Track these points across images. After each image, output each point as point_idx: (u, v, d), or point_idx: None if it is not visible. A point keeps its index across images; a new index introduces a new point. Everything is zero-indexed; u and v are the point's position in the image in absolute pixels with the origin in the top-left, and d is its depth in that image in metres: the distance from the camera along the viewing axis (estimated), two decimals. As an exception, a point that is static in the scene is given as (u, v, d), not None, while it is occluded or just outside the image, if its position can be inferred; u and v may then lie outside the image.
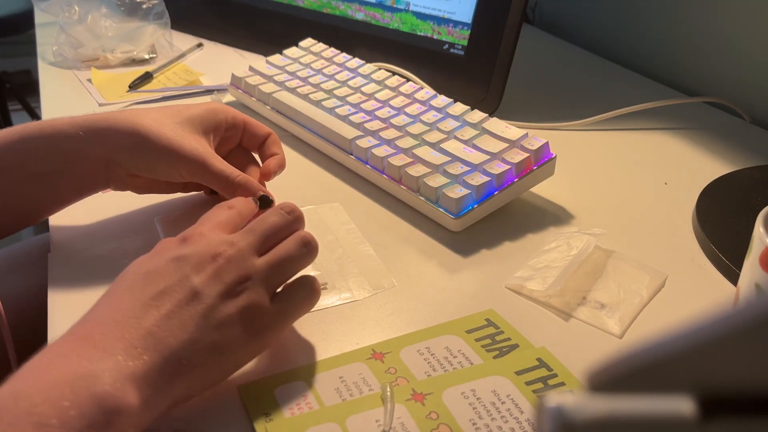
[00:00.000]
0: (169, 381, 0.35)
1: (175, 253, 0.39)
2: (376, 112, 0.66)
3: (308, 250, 0.42)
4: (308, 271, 0.48)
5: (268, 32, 0.94)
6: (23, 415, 0.29)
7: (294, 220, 0.43)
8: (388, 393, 0.39)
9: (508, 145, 0.60)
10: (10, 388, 0.31)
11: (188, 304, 0.36)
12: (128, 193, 0.57)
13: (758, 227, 0.41)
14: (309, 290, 0.42)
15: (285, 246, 0.41)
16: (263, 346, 0.41)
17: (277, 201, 0.58)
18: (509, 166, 0.57)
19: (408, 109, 0.66)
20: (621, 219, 0.60)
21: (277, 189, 0.61)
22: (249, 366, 0.42)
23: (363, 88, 0.70)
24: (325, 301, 0.48)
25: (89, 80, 0.83)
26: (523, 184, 0.58)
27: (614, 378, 0.18)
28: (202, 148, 0.52)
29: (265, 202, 0.51)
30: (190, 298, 0.37)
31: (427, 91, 0.69)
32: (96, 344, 0.34)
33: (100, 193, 0.59)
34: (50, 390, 0.31)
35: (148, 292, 0.37)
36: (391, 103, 0.68)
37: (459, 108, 0.65)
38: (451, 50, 0.79)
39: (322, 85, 0.72)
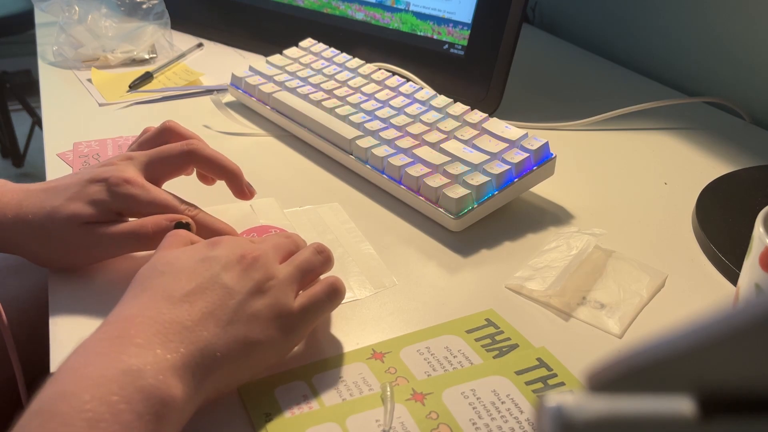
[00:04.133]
0: (206, 373, 0.35)
1: (203, 255, 0.40)
2: (376, 112, 0.66)
3: (323, 256, 0.44)
4: None
5: (268, 32, 0.94)
6: (74, 414, 0.30)
7: (294, 238, 0.46)
8: (388, 393, 0.39)
9: (508, 145, 0.60)
10: (53, 389, 0.31)
11: (220, 300, 0.38)
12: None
13: (758, 227, 0.41)
14: (331, 290, 0.42)
15: (302, 253, 0.44)
16: (288, 346, 0.41)
17: (276, 200, 0.58)
18: (509, 166, 0.57)
19: (408, 109, 0.66)
20: (621, 219, 0.60)
21: (277, 189, 0.61)
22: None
23: (363, 88, 0.70)
24: None
25: (89, 80, 0.83)
26: (523, 184, 0.58)
27: (614, 378, 0.18)
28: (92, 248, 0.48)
29: (181, 226, 0.48)
30: (221, 294, 0.38)
31: (427, 91, 0.69)
32: (132, 341, 0.34)
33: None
34: (96, 387, 0.31)
35: (179, 290, 0.37)
36: (391, 103, 0.68)
37: (459, 108, 0.65)
38: (451, 50, 0.79)
39: (322, 85, 0.72)
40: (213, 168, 0.52)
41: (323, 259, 0.44)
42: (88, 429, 0.29)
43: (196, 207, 0.49)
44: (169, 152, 0.51)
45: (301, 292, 0.42)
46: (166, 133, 0.53)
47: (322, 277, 0.46)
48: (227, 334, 0.37)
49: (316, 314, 0.42)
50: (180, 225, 0.47)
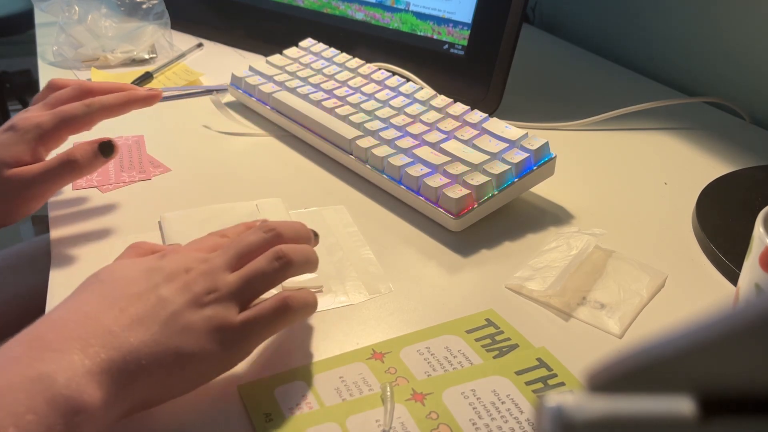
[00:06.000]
0: (129, 381, 0.33)
1: (150, 265, 0.39)
2: (376, 112, 0.66)
3: (281, 263, 0.40)
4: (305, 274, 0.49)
5: (268, 32, 0.94)
6: None
7: (272, 237, 0.42)
8: (388, 393, 0.39)
9: (508, 145, 0.60)
10: None
11: (153, 309, 0.36)
12: (131, 190, 0.57)
13: (758, 227, 0.41)
14: (280, 306, 0.39)
15: (256, 261, 0.40)
16: (229, 361, 0.38)
17: (283, 201, 0.58)
18: (509, 166, 0.57)
19: (408, 109, 0.66)
20: (621, 219, 0.60)
21: (277, 189, 0.61)
22: (249, 366, 0.42)
23: (363, 88, 0.70)
24: (320, 303, 0.48)
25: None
26: (523, 184, 0.58)
27: (614, 378, 0.18)
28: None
29: (105, 148, 0.52)
30: (155, 304, 0.36)
31: (427, 91, 0.69)
32: (48, 344, 0.32)
33: (100, 191, 0.59)
34: (3, 396, 0.29)
35: (112, 296, 0.36)
36: (391, 103, 0.68)
37: (459, 108, 0.65)
38: (451, 50, 0.79)
39: (322, 85, 0.72)
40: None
41: (280, 266, 0.40)
42: None
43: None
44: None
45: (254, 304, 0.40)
46: (53, 89, 0.57)
47: (302, 278, 0.44)
48: (156, 344, 0.35)
49: (261, 331, 0.39)
50: (104, 144, 0.51)
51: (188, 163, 0.65)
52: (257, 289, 0.40)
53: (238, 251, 0.41)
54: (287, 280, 0.46)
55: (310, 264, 0.43)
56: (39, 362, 0.31)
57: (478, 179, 0.56)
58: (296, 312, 0.40)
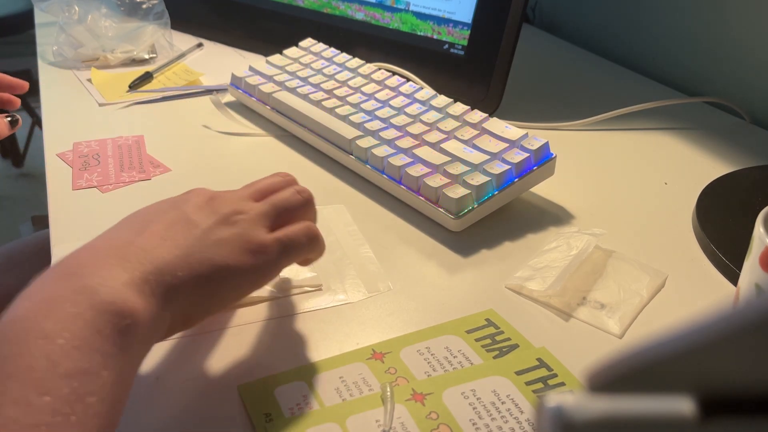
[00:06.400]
0: (168, 291, 0.35)
1: (177, 199, 0.41)
2: (376, 112, 0.66)
3: (304, 197, 0.43)
4: (305, 272, 0.49)
5: (268, 32, 0.94)
6: (30, 333, 0.29)
7: (291, 180, 0.45)
8: (388, 393, 0.39)
9: (508, 145, 0.60)
10: (6, 318, 0.31)
11: (183, 230, 0.38)
12: (131, 190, 0.57)
13: (758, 227, 0.41)
14: (309, 231, 0.42)
15: (281, 192, 0.43)
16: (261, 276, 0.40)
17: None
18: (509, 166, 0.57)
19: (408, 109, 0.66)
20: (621, 219, 0.60)
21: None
22: (249, 366, 0.42)
23: (363, 88, 0.70)
24: (319, 302, 0.48)
25: (89, 80, 0.83)
26: (523, 184, 0.58)
27: (614, 378, 0.18)
28: None
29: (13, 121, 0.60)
30: (185, 225, 0.38)
31: (427, 91, 0.69)
32: (86, 264, 0.34)
33: (100, 191, 0.59)
34: (50, 309, 0.31)
35: (144, 224, 0.38)
36: (391, 103, 0.68)
37: (459, 108, 0.65)
38: (451, 50, 0.79)
39: (322, 85, 0.72)
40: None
41: (302, 199, 0.43)
42: (45, 347, 0.29)
43: None
44: None
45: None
46: None
47: (301, 276, 0.46)
48: (189, 257, 0.36)
49: (291, 250, 0.41)
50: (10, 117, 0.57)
51: (188, 163, 0.65)
52: (282, 216, 0.42)
53: (260, 188, 0.43)
54: (286, 279, 0.46)
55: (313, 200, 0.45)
56: (79, 277, 0.33)
57: (478, 179, 0.56)
58: (320, 241, 0.43)
